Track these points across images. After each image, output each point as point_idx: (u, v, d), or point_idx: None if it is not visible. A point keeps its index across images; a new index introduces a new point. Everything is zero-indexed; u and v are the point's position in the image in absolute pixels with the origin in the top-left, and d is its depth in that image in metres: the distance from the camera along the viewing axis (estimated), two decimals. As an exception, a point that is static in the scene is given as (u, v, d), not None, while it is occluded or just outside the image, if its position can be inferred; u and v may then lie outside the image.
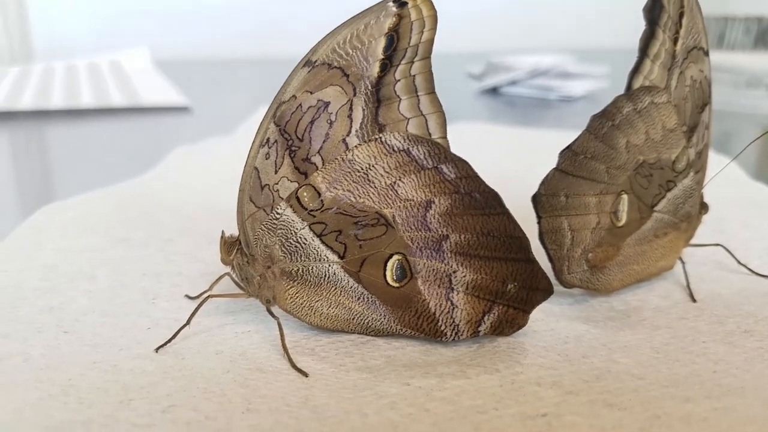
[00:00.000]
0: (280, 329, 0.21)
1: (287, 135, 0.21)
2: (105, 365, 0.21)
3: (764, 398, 0.19)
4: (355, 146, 0.21)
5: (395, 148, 0.21)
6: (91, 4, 1.10)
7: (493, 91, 0.78)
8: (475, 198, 0.21)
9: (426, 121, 0.22)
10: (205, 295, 0.23)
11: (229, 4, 1.13)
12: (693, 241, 0.27)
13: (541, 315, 0.23)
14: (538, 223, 0.23)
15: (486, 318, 0.21)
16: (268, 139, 0.21)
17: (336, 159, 0.21)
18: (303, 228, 0.21)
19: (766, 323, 0.23)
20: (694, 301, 0.25)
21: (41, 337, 0.22)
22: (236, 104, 0.72)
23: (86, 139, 0.57)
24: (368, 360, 0.21)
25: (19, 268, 0.27)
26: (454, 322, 0.21)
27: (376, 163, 0.21)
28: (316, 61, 0.21)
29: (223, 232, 0.23)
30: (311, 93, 0.21)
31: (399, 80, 0.21)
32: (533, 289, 0.21)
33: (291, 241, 0.21)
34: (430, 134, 0.22)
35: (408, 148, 0.21)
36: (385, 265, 0.21)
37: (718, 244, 0.28)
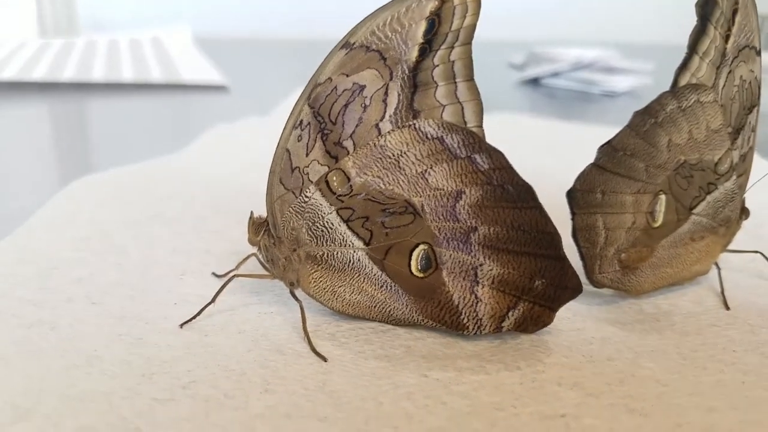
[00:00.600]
0: (302, 313, 0.21)
1: (320, 118, 0.21)
2: (130, 338, 0.21)
3: (794, 413, 0.18)
4: (388, 132, 0.21)
5: (429, 136, 0.21)
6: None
7: (534, 82, 0.77)
8: (507, 190, 0.20)
9: (462, 108, 0.21)
10: (231, 274, 0.23)
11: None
12: (730, 246, 0.27)
13: (568, 314, 0.23)
14: (572, 219, 0.23)
15: (510, 314, 0.21)
16: (301, 121, 0.21)
17: (368, 144, 0.21)
18: (330, 212, 0.21)
19: (802, 336, 0.23)
20: (728, 308, 0.24)
21: (70, 308, 0.23)
22: (274, 85, 0.72)
23: (125, 114, 0.58)
24: (387, 349, 0.21)
25: (53, 238, 0.28)
26: (477, 315, 0.21)
27: (408, 150, 0.21)
28: (354, 43, 0.20)
29: (252, 212, 0.23)
30: (347, 76, 0.20)
31: (437, 65, 0.21)
32: (562, 287, 0.21)
33: (318, 225, 0.21)
34: (465, 122, 0.21)
35: (442, 136, 0.21)
36: (411, 255, 0.21)
37: (756, 251, 0.27)
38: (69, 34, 1.05)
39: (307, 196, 0.21)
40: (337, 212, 0.21)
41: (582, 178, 0.23)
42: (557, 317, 0.21)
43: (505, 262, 0.21)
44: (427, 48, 0.20)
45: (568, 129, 0.54)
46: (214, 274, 0.25)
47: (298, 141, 0.21)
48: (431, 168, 0.21)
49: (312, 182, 0.21)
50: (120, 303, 0.23)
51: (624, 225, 0.23)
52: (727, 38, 0.24)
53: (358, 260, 0.21)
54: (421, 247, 0.21)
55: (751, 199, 0.27)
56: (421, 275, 0.21)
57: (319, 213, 0.21)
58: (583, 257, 0.23)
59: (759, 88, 0.26)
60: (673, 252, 0.25)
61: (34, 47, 0.82)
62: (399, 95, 0.21)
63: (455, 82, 0.21)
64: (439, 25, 0.20)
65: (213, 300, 0.22)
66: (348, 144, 0.21)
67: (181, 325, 0.22)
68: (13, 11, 1.06)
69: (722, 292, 0.25)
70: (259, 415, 0.17)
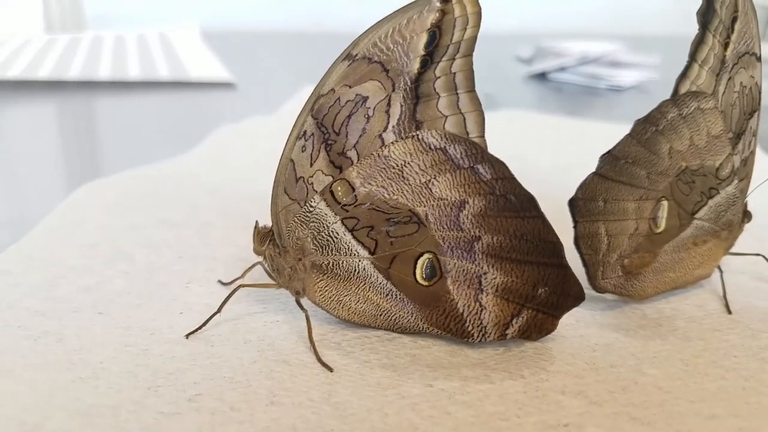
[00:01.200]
0: (308, 322, 0.22)
1: (324, 128, 0.21)
2: (136, 349, 0.21)
3: (795, 421, 0.19)
4: (392, 142, 0.21)
5: (432, 146, 0.21)
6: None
7: (542, 76, 0.77)
8: (510, 200, 0.21)
9: (464, 119, 0.21)
10: (236, 284, 0.23)
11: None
12: (732, 249, 0.27)
13: (571, 320, 0.23)
14: (575, 227, 0.23)
15: (514, 321, 0.21)
16: (305, 132, 0.21)
17: (372, 154, 0.21)
18: (335, 222, 0.21)
19: (804, 340, 0.23)
20: (730, 312, 0.24)
21: (76, 318, 0.23)
22: (282, 80, 0.72)
23: (132, 112, 0.58)
24: (393, 358, 0.21)
25: (60, 245, 0.28)
26: (481, 323, 0.21)
27: (412, 161, 0.21)
28: (356, 54, 0.20)
29: (257, 222, 0.23)
30: (350, 87, 0.21)
31: (439, 77, 0.21)
32: (564, 295, 0.21)
33: (323, 234, 0.21)
34: (467, 133, 0.21)
35: (445, 147, 0.21)
36: (416, 263, 0.21)
37: (758, 254, 0.27)
38: (76, 29, 1.05)
39: (312, 206, 0.21)
40: (342, 222, 0.21)
41: (584, 186, 0.23)
42: (561, 323, 0.22)
43: (508, 271, 0.21)
44: (428, 60, 0.20)
45: (575, 125, 0.54)
46: (220, 281, 0.26)
47: (302, 151, 0.21)
48: (435, 178, 0.21)
49: (317, 192, 0.21)
50: (126, 312, 0.23)
51: (626, 231, 0.24)
52: (726, 46, 0.24)
53: (364, 269, 0.22)
54: (426, 256, 0.21)
55: (754, 202, 0.27)
56: (426, 284, 0.21)
57: (324, 222, 0.21)
58: (585, 264, 0.23)
59: (760, 93, 0.26)
60: (676, 257, 0.25)
61: (40, 44, 0.82)
62: (402, 106, 0.21)
63: (457, 93, 0.21)
64: (440, 37, 0.20)
65: (219, 310, 0.22)
66: (352, 154, 0.21)
67: (187, 336, 0.22)
68: (20, 6, 1.06)
69: (724, 296, 0.25)
70: (265, 429, 0.18)
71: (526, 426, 0.18)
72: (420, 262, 0.21)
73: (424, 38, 0.20)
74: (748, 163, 0.26)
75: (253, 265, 0.24)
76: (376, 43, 0.20)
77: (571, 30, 0.98)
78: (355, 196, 0.21)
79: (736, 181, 0.25)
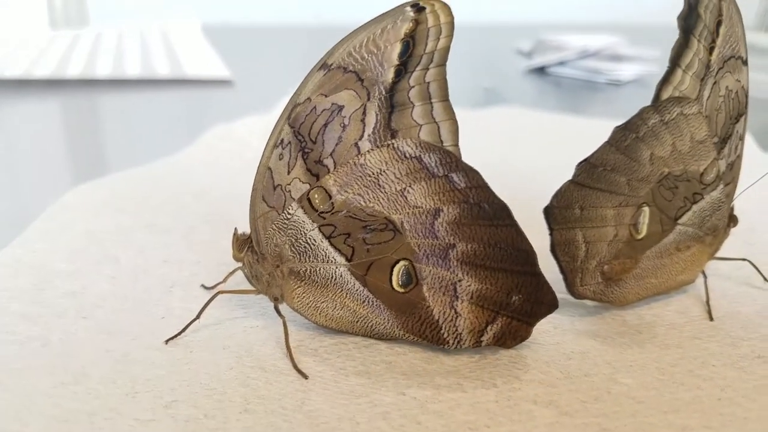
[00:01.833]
0: (285, 329, 0.22)
1: (301, 137, 0.21)
2: (117, 354, 0.21)
3: (766, 432, 0.19)
4: (367, 151, 0.21)
5: (407, 155, 0.21)
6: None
7: (541, 70, 0.76)
8: (483, 209, 0.21)
9: (438, 128, 0.21)
10: (216, 290, 0.23)
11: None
12: (718, 254, 0.27)
13: (549, 327, 0.23)
14: (551, 234, 0.23)
15: (489, 328, 0.21)
16: (282, 140, 0.21)
17: (348, 162, 0.21)
18: (313, 229, 0.21)
19: (784, 348, 0.23)
20: (711, 319, 0.24)
21: (61, 322, 0.23)
22: (279, 76, 0.72)
23: (131, 110, 0.58)
24: (368, 365, 0.21)
25: (47, 248, 0.28)
26: (456, 330, 0.21)
27: (387, 169, 0.21)
28: (332, 64, 0.20)
29: (236, 229, 0.23)
30: (326, 96, 0.21)
31: (413, 87, 0.21)
32: (538, 303, 0.21)
33: (300, 241, 0.22)
34: (441, 142, 0.21)
35: (420, 155, 0.21)
36: (392, 271, 0.21)
37: (744, 259, 0.27)
38: (79, 24, 1.05)
39: (289, 213, 0.21)
40: (319, 229, 0.21)
41: (559, 194, 0.23)
42: (538, 331, 0.22)
43: (482, 278, 0.21)
44: (402, 69, 0.21)
45: (573, 123, 0.53)
46: (203, 286, 0.26)
47: (280, 159, 0.21)
48: (410, 186, 0.21)
49: (294, 199, 0.21)
50: (109, 317, 0.24)
51: (605, 238, 0.24)
52: (711, 50, 0.24)
53: (341, 276, 0.22)
54: (402, 263, 0.21)
55: (741, 206, 0.27)
56: (402, 291, 0.22)
57: (302, 230, 0.22)
58: (563, 271, 0.23)
59: (746, 96, 0.25)
60: (658, 262, 0.25)
61: (41, 42, 0.82)
62: (377, 115, 0.21)
63: (431, 103, 0.21)
64: (414, 47, 0.20)
65: (198, 316, 0.22)
66: (328, 162, 0.21)
67: (167, 342, 0.22)
68: (24, 1, 1.06)
69: (707, 302, 0.25)
70: (235, 437, 0.18)
71: (495, 436, 0.18)
72: (396, 269, 0.21)
73: (398, 48, 0.20)
74: (734, 167, 0.26)
75: (234, 270, 0.25)
76: (351, 53, 0.20)
77: (571, 22, 0.98)
78: (332, 203, 0.21)
79: (721, 186, 0.25)
